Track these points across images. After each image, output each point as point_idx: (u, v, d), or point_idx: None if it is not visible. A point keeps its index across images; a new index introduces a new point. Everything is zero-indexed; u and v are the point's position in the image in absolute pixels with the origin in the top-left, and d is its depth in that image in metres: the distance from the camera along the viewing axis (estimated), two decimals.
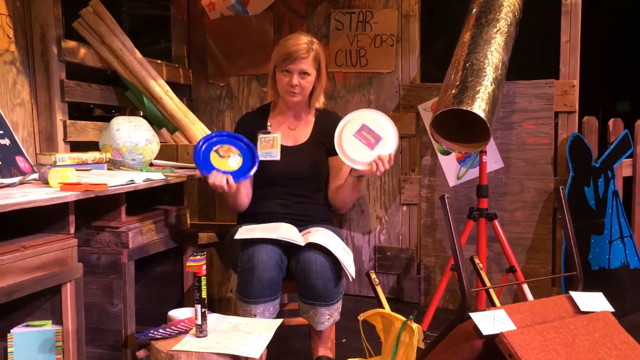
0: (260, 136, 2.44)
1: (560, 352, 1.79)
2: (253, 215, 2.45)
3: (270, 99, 2.53)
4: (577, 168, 3.02)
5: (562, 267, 3.03)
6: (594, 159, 3.07)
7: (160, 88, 3.13)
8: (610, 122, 3.15)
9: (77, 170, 2.08)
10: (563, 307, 2.01)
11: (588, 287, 2.14)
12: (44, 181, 2.00)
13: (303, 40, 2.37)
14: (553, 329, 1.86)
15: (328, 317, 2.21)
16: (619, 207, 3.11)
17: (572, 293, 2.05)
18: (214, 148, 2.32)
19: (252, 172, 2.32)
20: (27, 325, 1.95)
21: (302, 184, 2.44)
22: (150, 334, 1.86)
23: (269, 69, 2.47)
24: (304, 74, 2.38)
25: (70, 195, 1.84)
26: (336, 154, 2.45)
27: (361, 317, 2.13)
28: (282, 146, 2.44)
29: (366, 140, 2.28)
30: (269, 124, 2.49)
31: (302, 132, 2.52)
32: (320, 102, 2.54)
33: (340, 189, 2.46)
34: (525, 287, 2.76)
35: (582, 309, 2.00)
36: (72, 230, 1.94)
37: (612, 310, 2.03)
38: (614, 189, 3.10)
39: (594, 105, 3.77)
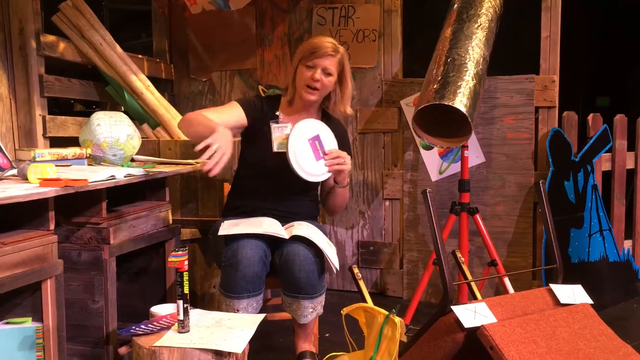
0: (274, 126, 2.38)
1: (540, 343, 1.81)
2: (240, 208, 2.43)
3: (289, 96, 2.46)
4: (557, 162, 3.05)
5: (542, 260, 3.06)
6: (573, 154, 3.10)
7: (142, 83, 3.11)
8: (590, 117, 3.18)
9: (56, 165, 2.05)
10: (543, 299, 2.03)
11: (568, 280, 2.17)
12: (23, 177, 1.97)
13: (330, 41, 2.39)
14: (533, 321, 1.88)
15: (311, 310, 2.21)
16: (598, 201, 3.15)
17: (552, 286, 2.08)
18: None
19: None
20: (7, 323, 1.93)
21: (293, 180, 2.38)
22: (132, 330, 1.85)
23: (292, 65, 2.42)
24: (327, 71, 2.37)
25: (50, 191, 1.82)
26: None
27: (344, 311, 2.14)
28: None
29: (315, 150, 2.27)
30: (278, 113, 2.40)
31: None
32: (347, 110, 2.49)
33: (329, 196, 2.47)
34: (507, 280, 2.78)
35: (562, 301, 2.03)
36: (52, 227, 1.92)
37: (591, 302, 2.06)
38: (593, 183, 3.14)
39: (574, 100, 3.81)
